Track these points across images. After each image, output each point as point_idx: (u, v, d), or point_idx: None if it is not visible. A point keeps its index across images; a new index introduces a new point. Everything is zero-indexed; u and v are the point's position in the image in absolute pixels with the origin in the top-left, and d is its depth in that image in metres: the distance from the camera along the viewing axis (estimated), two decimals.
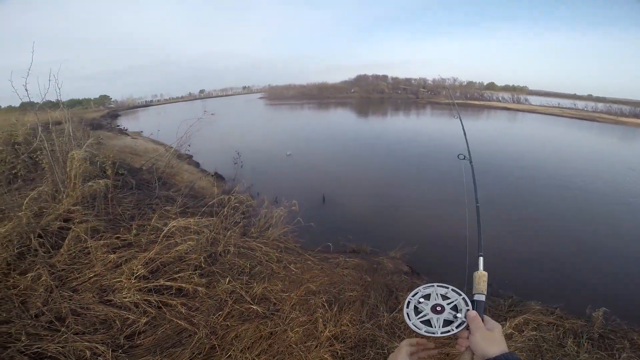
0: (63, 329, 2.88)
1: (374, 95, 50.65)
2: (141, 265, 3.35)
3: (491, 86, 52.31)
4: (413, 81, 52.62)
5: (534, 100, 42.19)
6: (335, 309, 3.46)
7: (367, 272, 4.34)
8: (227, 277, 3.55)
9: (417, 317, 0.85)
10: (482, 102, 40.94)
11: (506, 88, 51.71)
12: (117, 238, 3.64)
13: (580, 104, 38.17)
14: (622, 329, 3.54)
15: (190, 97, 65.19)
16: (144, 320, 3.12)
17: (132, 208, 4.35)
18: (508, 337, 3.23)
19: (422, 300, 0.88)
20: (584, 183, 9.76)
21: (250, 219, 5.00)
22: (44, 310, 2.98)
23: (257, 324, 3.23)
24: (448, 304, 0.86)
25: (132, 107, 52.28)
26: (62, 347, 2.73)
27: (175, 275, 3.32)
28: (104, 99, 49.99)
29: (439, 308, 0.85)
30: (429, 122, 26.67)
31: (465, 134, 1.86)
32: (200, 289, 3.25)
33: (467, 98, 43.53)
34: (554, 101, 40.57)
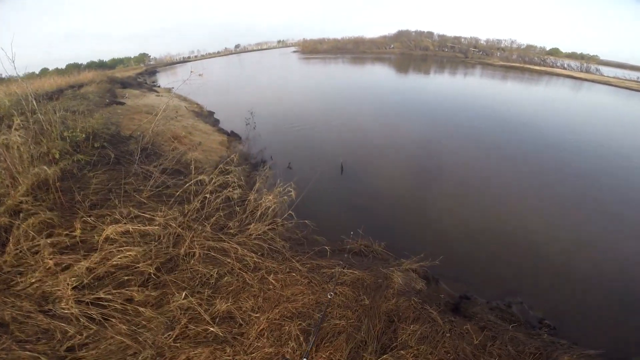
0: (5, 337, 2.62)
1: (416, 51, 46.12)
2: (84, 272, 2.82)
3: (554, 52, 44.92)
4: (463, 40, 46.80)
5: (607, 71, 35.79)
6: (311, 343, 2.76)
7: (368, 291, 3.49)
8: (185, 289, 2.94)
9: None
10: (543, 68, 35.52)
11: (572, 55, 44.22)
12: (67, 235, 3.12)
13: None
14: None
15: (226, 52, 64.48)
16: (84, 334, 2.69)
17: (98, 191, 3.81)
18: None
19: None
20: None
21: (234, 207, 4.22)
22: None
23: (212, 349, 2.68)
24: None
25: (170, 63, 52.89)
26: (5, 355, 2.51)
27: (114, 291, 2.74)
28: (143, 57, 50.82)
29: None
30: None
31: None
32: (141, 309, 2.67)
33: (526, 62, 37.98)
34: (632, 74, 34.02)
